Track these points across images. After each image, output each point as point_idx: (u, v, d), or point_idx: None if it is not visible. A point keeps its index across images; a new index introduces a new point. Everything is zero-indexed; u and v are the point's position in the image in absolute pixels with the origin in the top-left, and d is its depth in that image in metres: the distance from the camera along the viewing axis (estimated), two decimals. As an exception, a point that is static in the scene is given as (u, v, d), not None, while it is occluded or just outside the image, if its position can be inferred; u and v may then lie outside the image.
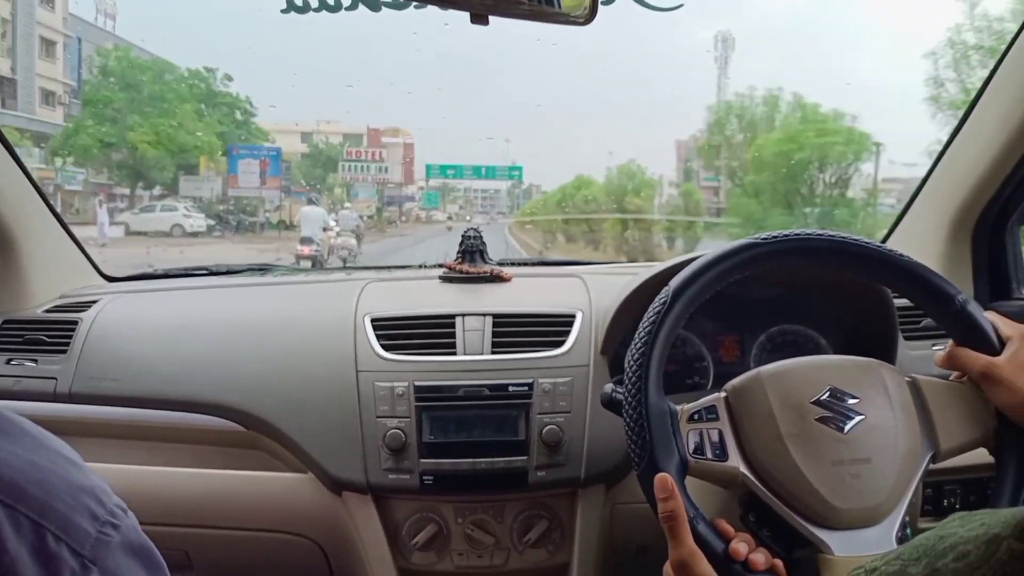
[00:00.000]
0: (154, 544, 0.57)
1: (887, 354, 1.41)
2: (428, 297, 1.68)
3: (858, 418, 1.00)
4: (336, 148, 25.64)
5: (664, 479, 0.95)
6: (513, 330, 1.50)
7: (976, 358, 1.04)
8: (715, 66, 18.12)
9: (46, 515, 0.48)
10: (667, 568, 0.97)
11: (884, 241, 1.80)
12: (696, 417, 1.02)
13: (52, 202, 1.79)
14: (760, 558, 0.94)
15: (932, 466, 1.03)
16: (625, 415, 1.02)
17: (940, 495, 1.44)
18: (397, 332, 1.50)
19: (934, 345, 1.50)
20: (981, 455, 1.05)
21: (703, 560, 0.92)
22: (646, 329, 1.05)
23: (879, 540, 0.96)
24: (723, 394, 1.05)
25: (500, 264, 1.79)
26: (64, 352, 1.55)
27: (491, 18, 1.09)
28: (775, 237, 1.08)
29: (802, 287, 1.50)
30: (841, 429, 0.99)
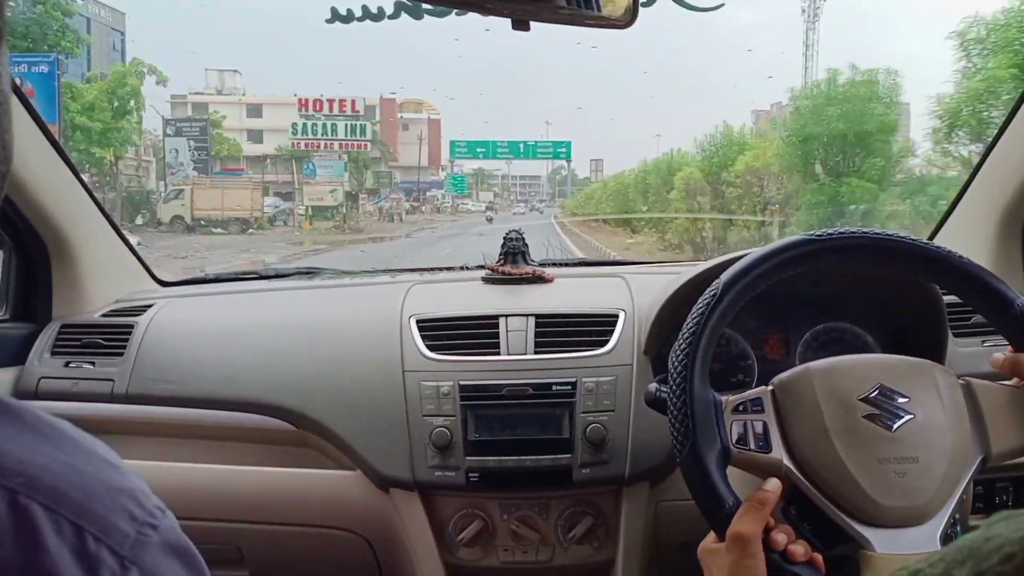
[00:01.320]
0: (207, 539, 0.58)
1: (937, 352, 1.40)
2: (471, 298, 1.70)
3: (907, 417, 0.99)
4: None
5: (778, 481, 0.98)
6: (556, 330, 1.51)
7: None
8: (803, 20, 17.40)
9: (86, 517, 0.49)
10: (712, 545, 0.98)
11: (931, 238, 1.78)
12: (741, 408, 1.03)
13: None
14: (799, 549, 0.94)
15: (983, 469, 1.02)
16: (669, 403, 1.02)
17: (991, 493, 1.42)
18: (442, 333, 1.52)
19: (984, 342, 1.48)
20: None
21: (760, 544, 0.93)
22: (694, 320, 1.05)
23: (923, 540, 0.95)
24: (770, 387, 1.05)
25: (542, 265, 1.81)
26: (121, 355, 1.60)
27: (532, 24, 1.10)
28: (830, 234, 1.08)
29: (848, 285, 1.49)
30: (889, 427, 0.98)
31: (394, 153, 24.44)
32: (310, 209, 20.50)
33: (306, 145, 21.68)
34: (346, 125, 21.53)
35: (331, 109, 21.65)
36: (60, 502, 0.48)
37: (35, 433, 0.52)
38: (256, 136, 23.30)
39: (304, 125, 21.51)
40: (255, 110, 23.84)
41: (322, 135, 21.67)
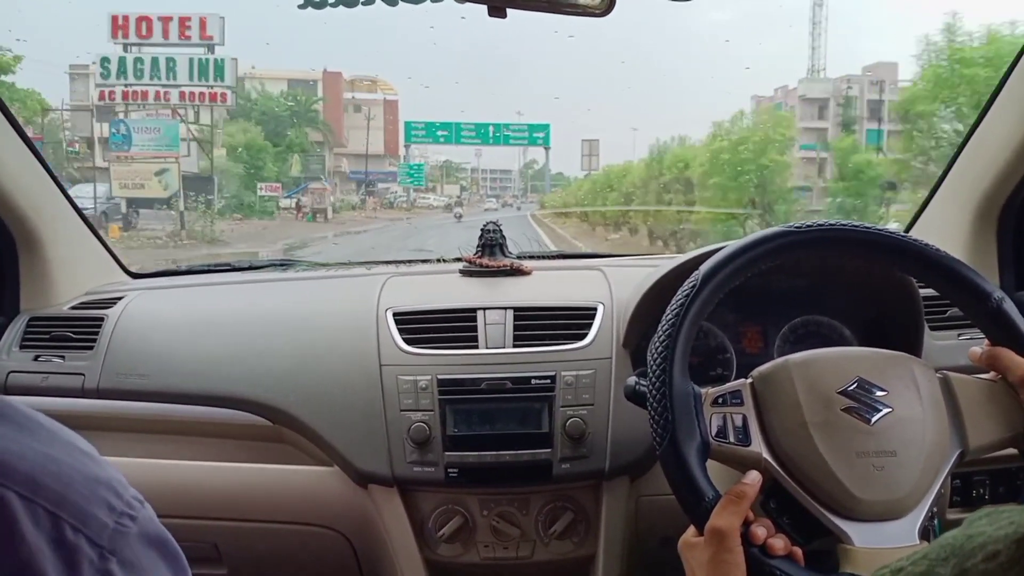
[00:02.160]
0: (183, 537, 0.57)
1: (913, 345, 1.41)
2: (449, 291, 1.69)
3: (885, 410, 0.99)
4: (275, 101, 18.70)
5: (758, 474, 0.98)
6: (534, 323, 1.51)
7: (1019, 363, 1.02)
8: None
9: (63, 507, 0.48)
10: (692, 539, 0.98)
11: (907, 230, 1.79)
12: (720, 401, 1.03)
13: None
14: (779, 543, 0.94)
15: (960, 463, 1.02)
16: (649, 396, 1.02)
17: (969, 486, 1.43)
18: (419, 326, 1.51)
19: (960, 335, 1.49)
20: None
21: (739, 538, 0.93)
22: (674, 312, 1.05)
23: (901, 533, 0.95)
24: (749, 380, 1.05)
25: (520, 257, 1.80)
26: (91, 348, 1.57)
27: (509, 11, 1.09)
28: (808, 226, 1.08)
29: (826, 278, 1.49)
30: (868, 420, 0.98)
31: (338, 137, 21.24)
32: (124, 203, 13.92)
33: (125, 96, 14.73)
34: (191, 63, 14.62)
35: (165, 35, 14.53)
36: (37, 491, 0.48)
37: (10, 423, 0.51)
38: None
39: (121, 61, 14.35)
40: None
41: (150, 78, 14.43)
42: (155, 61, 14.63)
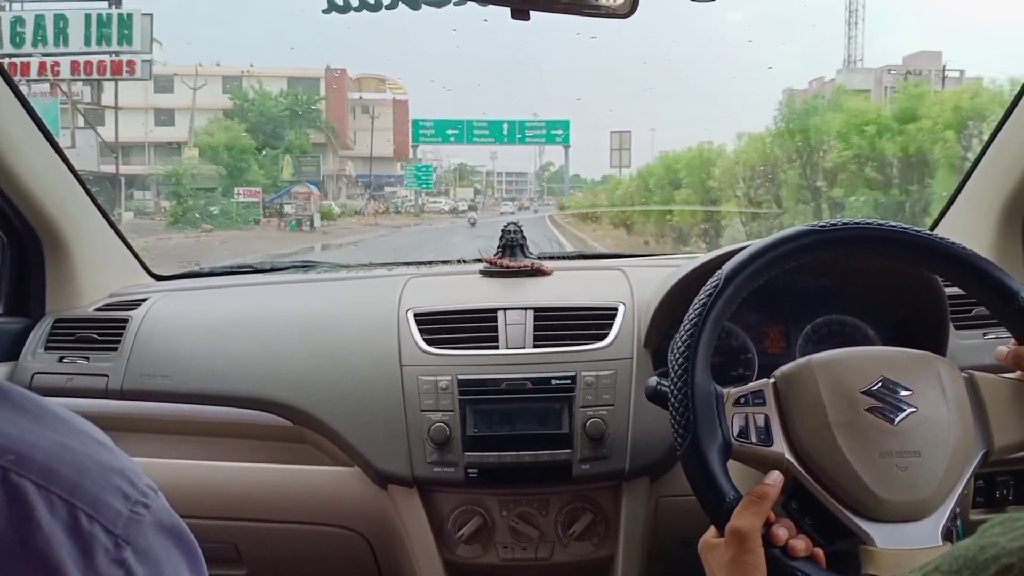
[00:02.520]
0: (204, 538, 0.57)
1: (939, 344, 1.39)
2: (469, 292, 1.69)
3: (910, 410, 0.98)
4: (273, 101, 16.81)
5: (779, 474, 0.97)
6: (555, 323, 1.50)
7: None
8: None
9: (78, 495, 0.48)
10: (712, 540, 0.97)
11: (933, 228, 1.77)
12: (742, 401, 1.02)
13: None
14: (800, 544, 0.93)
15: (984, 463, 1.01)
16: (671, 395, 1.01)
17: (993, 487, 1.41)
18: (439, 327, 1.51)
19: (985, 335, 1.47)
20: None
21: (759, 539, 0.92)
22: (696, 312, 1.04)
23: (924, 534, 0.94)
24: (772, 380, 1.04)
25: (540, 258, 1.79)
26: (115, 350, 1.58)
27: (532, 13, 1.09)
28: (832, 225, 1.07)
29: (849, 277, 1.47)
30: (891, 420, 0.97)
31: (343, 138, 19.81)
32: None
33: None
34: (87, 21, 10.54)
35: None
36: (52, 480, 0.48)
37: (25, 413, 0.52)
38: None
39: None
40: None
41: (34, 44, 10.37)
42: (39, 21, 10.40)
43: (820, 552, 0.95)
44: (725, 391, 1.02)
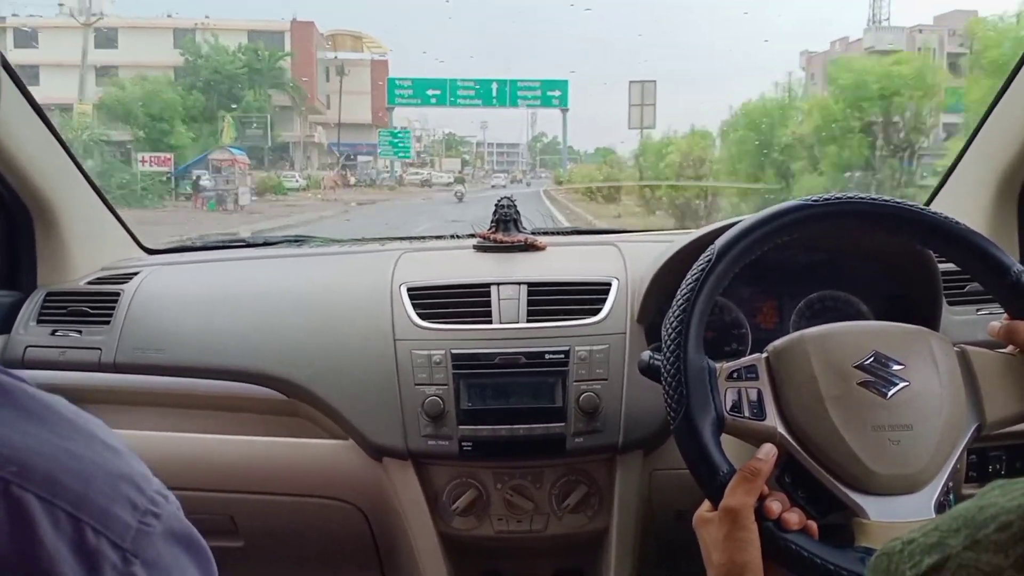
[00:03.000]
0: (200, 510, 0.56)
1: (931, 320, 1.39)
2: (463, 266, 1.68)
3: (902, 384, 0.98)
4: (230, 57, 14.89)
5: (771, 448, 0.97)
6: (548, 298, 1.50)
7: None
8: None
9: (84, 508, 0.46)
10: (706, 514, 0.97)
11: (928, 203, 1.77)
12: (735, 375, 1.02)
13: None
14: (793, 517, 0.94)
15: (977, 437, 1.01)
16: (663, 370, 1.01)
17: (985, 461, 1.42)
18: (433, 301, 1.51)
19: (979, 310, 1.48)
20: None
21: (752, 516, 0.92)
22: (688, 286, 1.04)
23: (917, 508, 0.95)
24: (764, 355, 1.04)
25: (534, 233, 1.79)
26: (107, 323, 1.58)
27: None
28: (826, 199, 1.07)
29: (842, 252, 1.48)
30: (884, 395, 0.98)
31: (311, 100, 17.61)
32: None
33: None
34: None
35: None
36: (56, 492, 0.46)
37: (29, 415, 0.49)
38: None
39: None
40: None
41: None
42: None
43: (813, 525, 0.96)
44: (718, 365, 1.02)
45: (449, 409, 1.39)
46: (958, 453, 0.99)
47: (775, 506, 0.94)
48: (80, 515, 0.46)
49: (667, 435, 1.40)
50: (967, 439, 1.00)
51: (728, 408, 1.00)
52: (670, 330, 1.02)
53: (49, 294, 1.65)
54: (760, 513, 0.93)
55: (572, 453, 1.39)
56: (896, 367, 0.99)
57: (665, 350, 1.02)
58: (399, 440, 1.40)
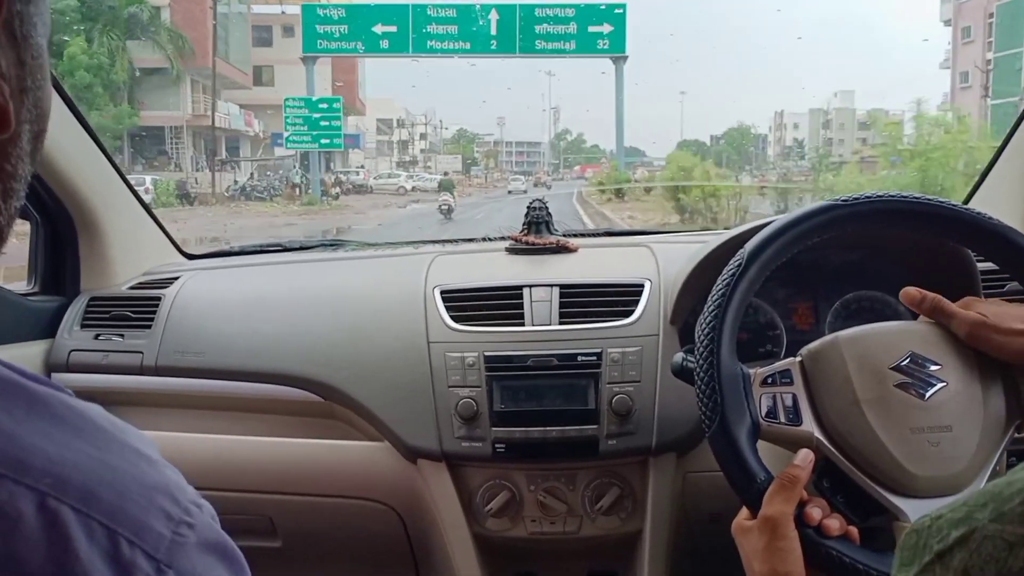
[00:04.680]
0: (239, 511, 0.57)
1: None
2: (495, 269, 1.69)
3: (940, 385, 0.97)
4: None
5: (808, 453, 0.96)
6: (581, 300, 1.50)
7: None
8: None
9: (119, 519, 0.46)
10: (745, 523, 0.97)
11: (966, 202, 1.74)
12: (769, 381, 1.01)
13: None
14: (834, 523, 0.93)
15: (1018, 435, 1.00)
16: (696, 377, 1.01)
17: None
18: (466, 304, 1.52)
19: None
20: None
21: (792, 524, 0.91)
22: (719, 291, 1.03)
23: None
24: (798, 359, 1.03)
25: (566, 235, 1.79)
26: (149, 327, 1.61)
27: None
28: (856, 199, 1.06)
29: (879, 251, 1.46)
30: (922, 396, 0.96)
31: (202, 59, 11.94)
32: None
33: None
34: None
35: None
36: (92, 504, 0.46)
37: (64, 425, 0.49)
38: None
39: None
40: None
41: None
42: None
43: (854, 530, 0.95)
44: (751, 371, 1.01)
45: (482, 411, 1.40)
46: (999, 453, 0.97)
47: (815, 512, 0.93)
48: (115, 526, 0.46)
49: (700, 437, 1.39)
50: (1008, 438, 0.98)
51: (763, 414, 0.99)
52: (702, 337, 1.02)
53: (92, 299, 1.69)
54: (800, 520, 0.92)
55: (605, 455, 1.39)
56: (933, 367, 0.98)
57: (698, 357, 1.01)
58: (433, 442, 1.41)
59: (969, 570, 0.46)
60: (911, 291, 1.05)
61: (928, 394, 0.96)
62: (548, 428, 1.39)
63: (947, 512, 0.50)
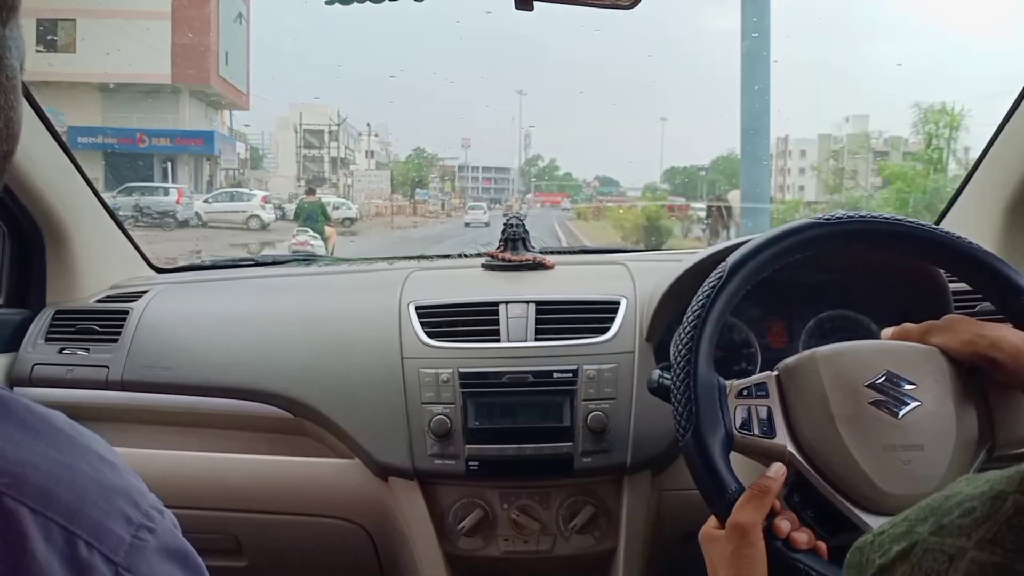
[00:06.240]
0: (205, 529, 0.56)
1: None
2: (471, 285, 1.68)
3: (914, 404, 0.97)
4: None
5: (781, 467, 0.97)
6: (557, 317, 1.50)
7: None
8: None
9: (78, 521, 0.46)
10: (713, 531, 0.97)
11: (938, 223, 1.76)
12: (745, 393, 1.01)
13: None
14: (803, 537, 0.93)
15: (989, 459, 1.00)
16: (673, 387, 1.01)
17: None
18: (441, 320, 1.50)
19: None
20: None
21: (760, 533, 0.92)
22: (699, 303, 1.04)
23: None
24: (775, 373, 1.04)
25: (543, 252, 1.79)
26: (115, 341, 1.58)
27: (536, 4, 1.08)
28: (839, 218, 1.07)
29: (853, 271, 1.47)
30: (895, 414, 0.97)
31: None
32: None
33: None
34: None
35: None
36: (50, 505, 0.46)
37: (25, 428, 0.49)
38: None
39: None
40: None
41: None
42: None
43: (822, 545, 0.95)
44: (728, 383, 1.02)
45: (456, 428, 1.38)
46: (970, 474, 0.97)
47: (784, 525, 0.93)
48: (73, 528, 0.46)
49: (676, 455, 1.38)
50: (979, 460, 0.99)
51: (738, 426, 0.99)
52: (680, 347, 1.02)
53: (58, 312, 1.66)
54: (769, 532, 0.92)
55: (580, 473, 1.38)
56: (908, 387, 0.98)
57: (675, 366, 1.02)
58: (405, 459, 1.39)
59: None
60: (885, 332, 1.08)
61: (902, 412, 0.97)
62: (523, 445, 1.38)
63: (888, 528, 0.51)
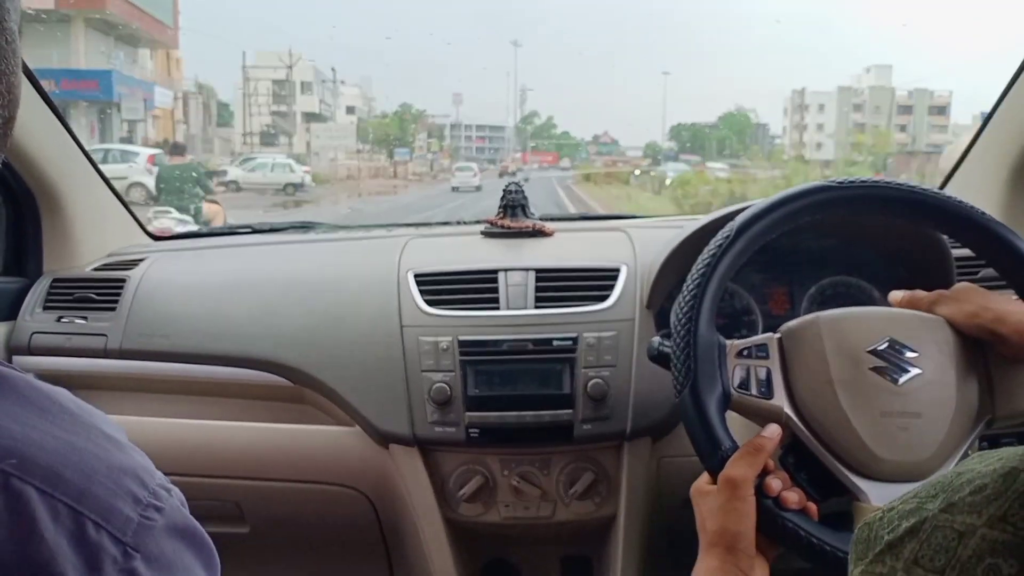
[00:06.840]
0: (206, 496, 0.56)
1: None
2: (470, 252, 1.67)
3: (914, 372, 0.97)
4: None
5: (777, 427, 0.97)
6: (556, 284, 1.49)
7: None
8: None
9: (85, 501, 0.46)
10: (704, 486, 0.98)
11: (942, 187, 1.75)
12: (745, 353, 1.01)
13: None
14: (793, 496, 0.94)
15: (987, 432, 1.01)
16: (673, 344, 1.01)
17: (997, 448, 1.40)
18: (440, 287, 1.50)
19: None
20: None
21: (751, 488, 0.93)
22: (704, 262, 1.03)
23: None
24: (777, 335, 1.04)
25: (542, 219, 1.78)
26: (113, 309, 1.57)
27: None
28: (851, 182, 1.06)
29: (855, 237, 1.46)
30: (895, 381, 0.97)
31: None
32: None
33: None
34: None
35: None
36: (57, 485, 0.45)
37: (31, 406, 0.49)
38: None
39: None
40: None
41: None
42: None
43: (813, 507, 0.96)
44: (728, 342, 1.02)
45: (456, 395, 1.38)
46: (967, 444, 0.98)
47: (776, 484, 0.94)
48: (81, 508, 0.45)
49: (676, 422, 1.38)
50: (977, 430, 0.99)
51: (736, 385, 1.00)
52: (683, 304, 1.02)
53: (55, 280, 1.65)
54: (760, 490, 0.93)
55: (580, 440, 1.39)
56: (910, 354, 0.98)
57: (676, 324, 1.02)
58: (405, 426, 1.39)
59: (919, 559, 0.46)
60: (894, 295, 1.08)
61: (902, 380, 0.97)
62: (523, 413, 1.38)
63: (898, 504, 0.51)
